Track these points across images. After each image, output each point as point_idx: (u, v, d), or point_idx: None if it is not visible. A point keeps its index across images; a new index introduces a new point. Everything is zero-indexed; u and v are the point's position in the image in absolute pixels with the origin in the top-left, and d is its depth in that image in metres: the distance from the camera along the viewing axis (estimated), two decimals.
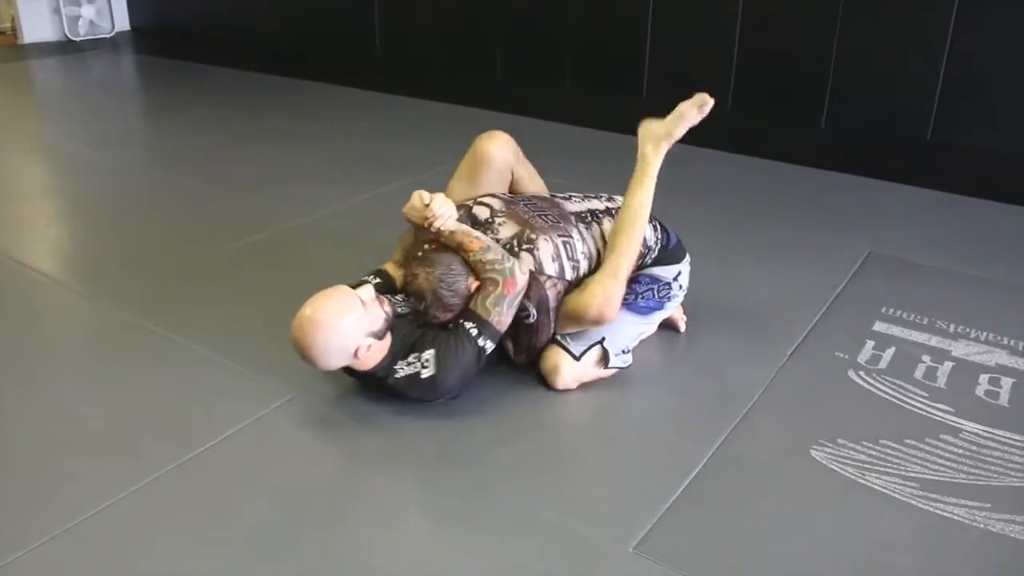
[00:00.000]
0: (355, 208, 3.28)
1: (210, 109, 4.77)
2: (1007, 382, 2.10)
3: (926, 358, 2.20)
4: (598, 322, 1.97)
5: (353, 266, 2.54)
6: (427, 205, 1.96)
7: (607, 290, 1.97)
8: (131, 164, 3.96)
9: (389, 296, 2.04)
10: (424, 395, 1.94)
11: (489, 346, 1.93)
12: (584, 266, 2.06)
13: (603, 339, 2.03)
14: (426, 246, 1.99)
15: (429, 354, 1.89)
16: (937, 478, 1.77)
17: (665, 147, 2.10)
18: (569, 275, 2.03)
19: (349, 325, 1.83)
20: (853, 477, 1.77)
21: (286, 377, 2.09)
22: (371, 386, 1.99)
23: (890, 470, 1.79)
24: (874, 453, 1.84)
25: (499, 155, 2.19)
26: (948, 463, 1.81)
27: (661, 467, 1.81)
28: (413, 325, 1.97)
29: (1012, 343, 2.27)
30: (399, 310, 2.01)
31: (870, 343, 2.27)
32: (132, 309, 2.47)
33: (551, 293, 1.99)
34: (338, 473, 1.82)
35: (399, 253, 2.23)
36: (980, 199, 3.34)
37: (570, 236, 2.06)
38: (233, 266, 2.77)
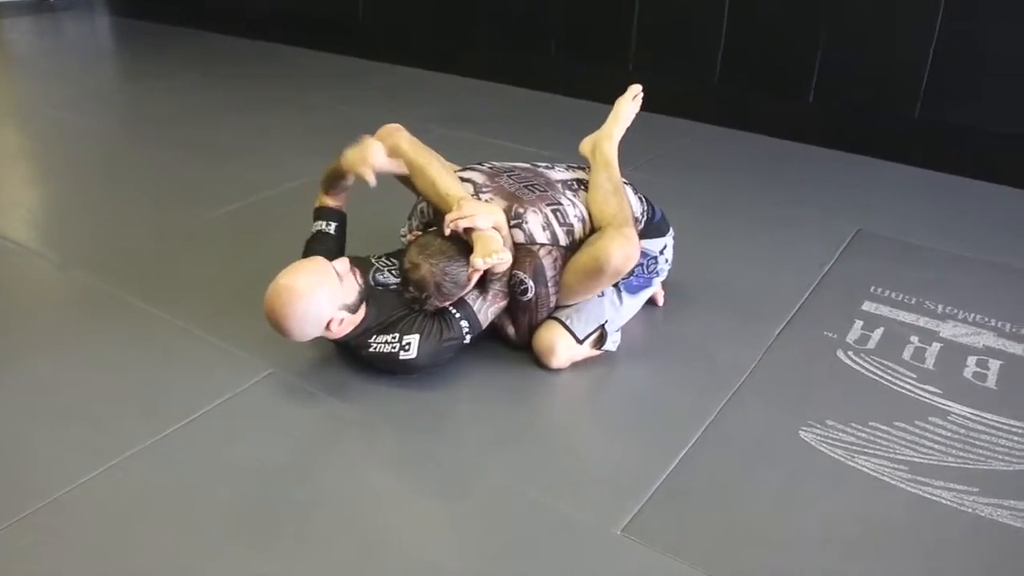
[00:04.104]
0: None
1: (189, 74, 4.66)
2: (994, 364, 2.09)
3: (914, 339, 2.19)
4: (619, 271, 1.88)
5: (361, 229, 2.49)
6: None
7: (625, 233, 1.89)
8: (107, 129, 3.86)
9: (371, 267, 2.00)
10: (392, 371, 1.92)
11: (469, 339, 1.93)
12: (579, 229, 1.99)
13: (606, 321, 1.99)
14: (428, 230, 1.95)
15: (412, 339, 1.86)
16: (926, 461, 1.76)
17: (614, 145, 2.17)
18: (563, 240, 1.96)
19: (323, 297, 1.79)
20: (842, 459, 1.76)
21: (265, 351, 2.04)
22: (346, 352, 1.97)
23: (879, 452, 1.78)
24: (863, 435, 1.83)
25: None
26: (937, 446, 1.80)
27: (649, 447, 1.78)
28: (397, 302, 1.93)
29: (999, 324, 2.26)
30: (384, 279, 1.97)
31: (859, 323, 2.25)
32: (108, 279, 2.40)
33: (547, 261, 1.92)
34: (317, 450, 1.78)
35: (337, 189, 2.13)
36: (968, 178, 3.34)
37: (559, 203, 2.00)
38: (212, 236, 2.71)
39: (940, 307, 2.34)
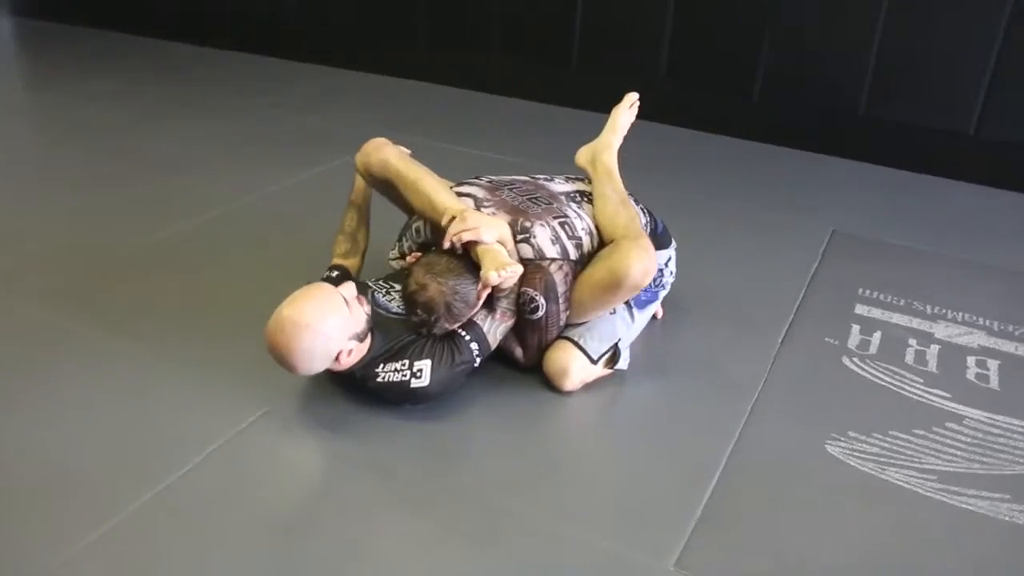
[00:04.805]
0: (295, 189, 3.02)
1: (108, 80, 4.33)
2: (993, 364, 2.11)
3: (912, 341, 2.19)
4: (638, 286, 1.79)
5: (305, 254, 2.35)
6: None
7: (643, 245, 1.80)
8: (19, 144, 3.55)
9: (368, 289, 1.87)
10: (403, 402, 1.79)
11: (479, 362, 1.82)
12: (587, 243, 1.90)
13: (619, 340, 1.91)
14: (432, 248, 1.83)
15: (424, 365, 1.73)
16: (953, 469, 1.74)
17: (614, 155, 2.11)
18: (573, 254, 1.87)
19: (333, 328, 1.65)
20: (873, 472, 1.73)
21: (253, 386, 1.88)
22: (343, 383, 1.83)
23: (906, 463, 1.76)
24: (887, 445, 1.80)
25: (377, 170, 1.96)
26: (960, 452, 1.79)
27: (680, 473, 1.71)
28: (402, 327, 1.79)
29: (988, 323, 2.28)
30: (384, 302, 1.83)
31: (856, 327, 2.24)
32: (58, 311, 2.18)
33: (558, 277, 1.82)
34: (330, 496, 1.63)
35: (344, 245, 2.10)
36: (920, 174, 3.39)
37: (566, 216, 1.91)
38: (168, 258, 2.49)
39: (928, 307, 2.35)
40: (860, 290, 2.43)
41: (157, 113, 3.83)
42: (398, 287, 1.90)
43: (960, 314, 2.32)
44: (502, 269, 1.67)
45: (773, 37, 3.70)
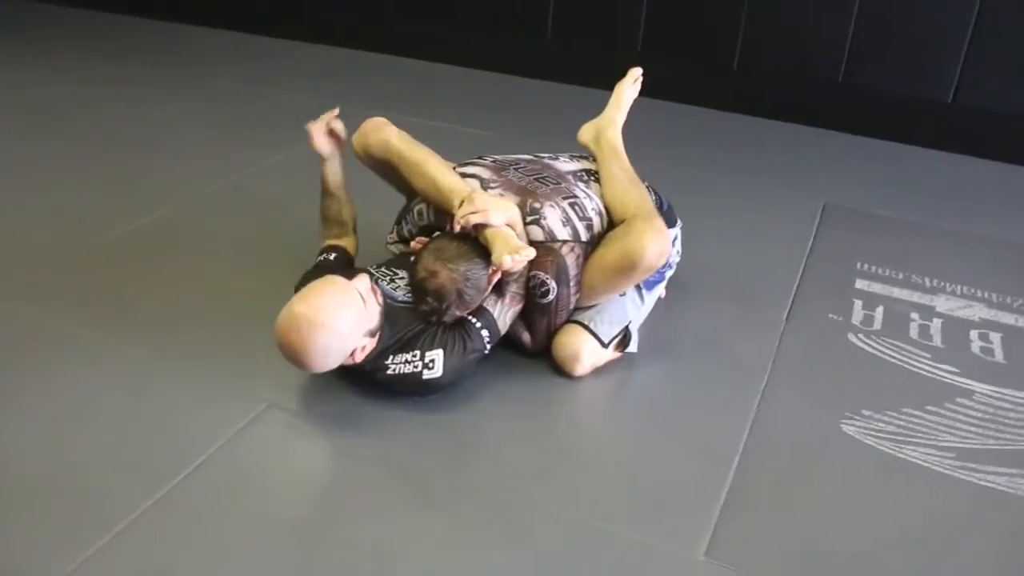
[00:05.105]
0: (271, 170, 2.91)
1: (65, 59, 4.12)
2: (995, 337, 2.11)
3: (915, 316, 2.18)
4: (652, 267, 1.74)
5: (289, 237, 2.27)
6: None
7: (656, 226, 1.75)
8: None
9: (377, 280, 1.79)
10: (415, 392, 1.73)
11: (490, 349, 1.77)
12: (597, 223, 1.85)
13: (629, 322, 1.86)
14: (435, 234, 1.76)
15: (436, 355, 1.66)
16: (968, 446, 1.74)
17: (618, 132, 2.05)
18: (584, 236, 1.81)
19: (349, 325, 1.58)
20: (891, 451, 1.71)
21: (250, 380, 1.81)
22: (349, 375, 1.76)
23: (922, 441, 1.75)
24: (902, 423, 1.79)
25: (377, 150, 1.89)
26: (973, 428, 1.79)
27: (698, 458, 1.68)
28: (409, 316, 1.72)
29: (987, 295, 2.29)
30: (390, 291, 1.76)
31: (858, 302, 2.23)
32: (44, 309, 2.06)
33: (569, 259, 1.77)
34: (343, 497, 1.57)
35: (332, 228, 2.02)
36: (902, 144, 3.39)
37: (575, 196, 1.85)
38: (147, 247, 2.38)
39: (927, 280, 2.35)
40: (858, 264, 2.42)
41: (118, 94, 3.65)
42: (401, 274, 1.83)
43: (959, 287, 2.32)
44: (515, 253, 1.60)
45: (751, 7, 3.65)
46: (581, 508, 1.54)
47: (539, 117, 3.43)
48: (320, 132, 1.94)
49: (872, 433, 1.76)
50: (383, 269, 1.85)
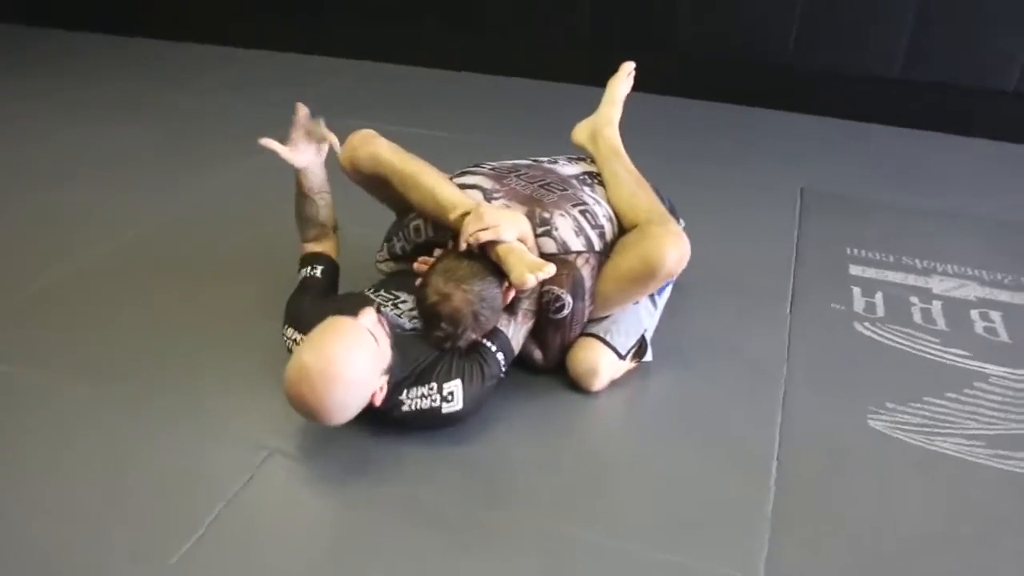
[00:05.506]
0: (227, 188, 2.72)
1: None
2: (996, 316, 2.10)
3: (914, 299, 2.16)
4: (672, 274, 1.65)
5: (260, 261, 2.16)
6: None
7: (673, 231, 1.66)
8: None
9: (379, 307, 1.65)
10: (432, 427, 1.61)
11: (505, 371, 1.66)
12: (609, 231, 1.75)
13: (644, 331, 1.77)
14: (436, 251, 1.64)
15: (454, 386, 1.55)
16: (996, 432, 1.72)
17: (616, 130, 1.98)
18: (597, 245, 1.71)
19: (365, 370, 1.45)
20: (922, 444, 1.68)
21: (249, 426, 1.66)
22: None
23: (950, 430, 1.72)
24: (926, 414, 1.76)
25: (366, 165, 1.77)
26: (995, 413, 1.77)
27: (734, 470, 1.60)
28: (418, 344, 1.60)
29: (978, 273, 2.28)
30: (404, 322, 1.63)
31: (856, 289, 2.20)
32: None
33: (585, 272, 1.67)
34: (367, 545, 1.43)
35: (311, 230, 1.85)
36: (858, 122, 3.39)
37: (585, 202, 1.75)
38: (114, 280, 2.17)
39: (918, 261, 2.33)
40: (848, 249, 2.39)
41: (32, 113, 3.37)
42: (403, 296, 1.70)
43: (949, 266, 2.31)
44: (538, 271, 1.50)
45: None
46: (624, 536, 1.45)
47: (500, 114, 3.32)
48: (300, 142, 1.76)
49: (900, 427, 1.72)
50: (382, 293, 1.71)
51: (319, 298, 1.71)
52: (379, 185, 1.74)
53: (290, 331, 1.65)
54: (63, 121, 3.27)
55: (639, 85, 3.66)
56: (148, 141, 3.10)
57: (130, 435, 1.64)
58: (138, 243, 2.37)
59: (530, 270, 1.50)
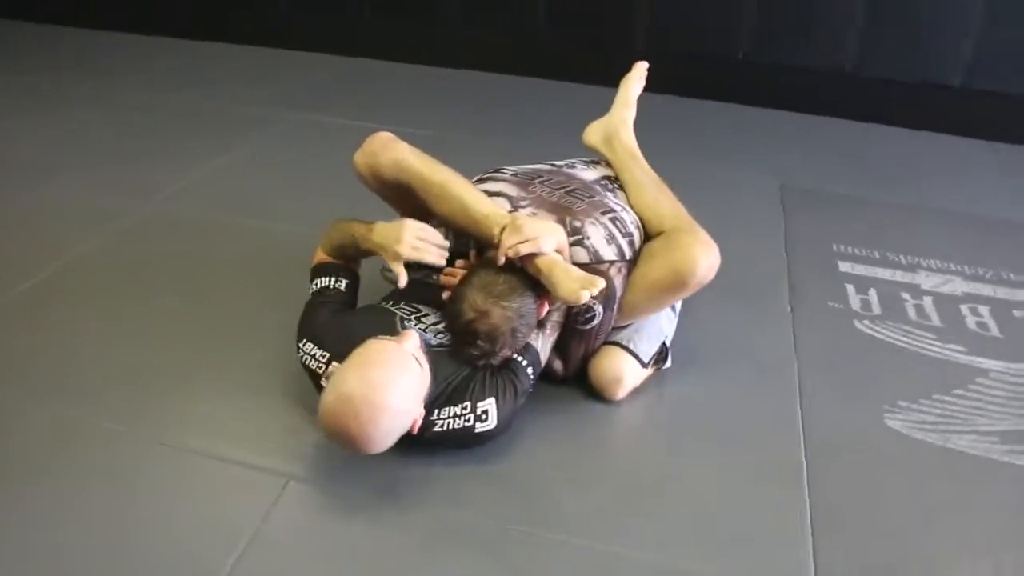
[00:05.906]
0: (196, 187, 2.56)
1: None
2: (984, 310, 2.16)
3: (906, 296, 2.20)
4: (703, 283, 1.61)
5: (253, 263, 2.07)
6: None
7: (703, 239, 1.62)
8: None
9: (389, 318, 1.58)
10: (463, 447, 1.55)
11: (533, 385, 1.61)
12: (637, 238, 1.71)
13: (665, 337, 1.74)
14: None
15: (488, 405, 1.49)
16: (1006, 428, 1.76)
17: (631, 132, 1.95)
18: (628, 253, 1.67)
19: (411, 399, 1.39)
20: (940, 443, 1.70)
21: (262, 453, 1.56)
22: None
23: (962, 428, 1.75)
24: (937, 411, 1.79)
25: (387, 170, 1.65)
26: (1003, 408, 1.81)
27: (767, 478, 1.59)
28: (447, 361, 1.53)
29: (960, 268, 2.34)
30: (430, 338, 1.56)
31: (849, 287, 2.22)
32: None
33: (617, 281, 1.62)
34: (404, 574, 1.37)
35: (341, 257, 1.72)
36: (821, 116, 3.44)
37: (613, 209, 1.70)
38: (79, 291, 2.02)
39: (903, 257, 2.38)
40: (834, 246, 2.41)
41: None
42: (424, 310, 1.62)
43: (932, 261, 2.36)
44: (591, 287, 1.44)
45: None
46: (668, 551, 1.42)
47: (464, 108, 3.24)
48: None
49: (916, 425, 1.74)
50: (402, 306, 1.62)
51: (339, 313, 1.61)
52: (399, 193, 1.65)
53: (308, 346, 1.55)
54: (33, 110, 3.05)
55: (599, 80, 3.65)
56: (112, 133, 2.91)
57: (127, 471, 1.52)
58: (110, 247, 2.21)
59: (581, 287, 1.44)
